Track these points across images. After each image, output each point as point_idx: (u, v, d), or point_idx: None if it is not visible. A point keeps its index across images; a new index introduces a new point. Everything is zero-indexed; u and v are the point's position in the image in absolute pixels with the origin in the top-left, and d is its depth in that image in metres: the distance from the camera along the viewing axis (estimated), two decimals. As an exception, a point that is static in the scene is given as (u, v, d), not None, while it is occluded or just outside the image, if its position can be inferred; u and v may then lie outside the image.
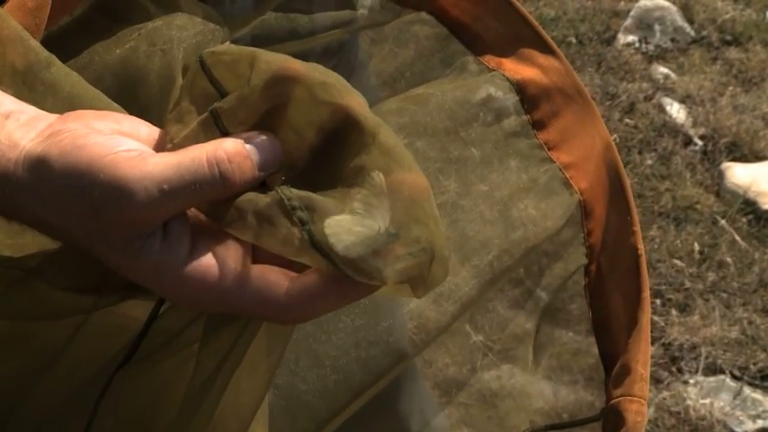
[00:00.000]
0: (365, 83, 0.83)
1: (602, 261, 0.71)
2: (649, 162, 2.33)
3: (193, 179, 0.46)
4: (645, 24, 2.70)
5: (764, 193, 2.23)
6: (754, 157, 2.35)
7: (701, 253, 2.12)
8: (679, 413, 1.83)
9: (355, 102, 0.48)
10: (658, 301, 2.02)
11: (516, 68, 0.72)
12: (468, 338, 0.74)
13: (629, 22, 2.70)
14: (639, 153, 2.35)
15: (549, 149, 0.72)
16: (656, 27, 2.69)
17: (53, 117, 0.49)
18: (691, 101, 2.50)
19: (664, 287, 2.04)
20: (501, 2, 0.72)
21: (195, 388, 0.53)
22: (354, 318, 0.67)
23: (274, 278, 0.48)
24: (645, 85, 2.54)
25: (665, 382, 1.88)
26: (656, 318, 1.98)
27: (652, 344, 1.92)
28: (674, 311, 2.01)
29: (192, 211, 0.49)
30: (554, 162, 0.72)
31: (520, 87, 0.72)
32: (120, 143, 0.47)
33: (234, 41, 0.67)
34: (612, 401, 0.65)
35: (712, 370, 1.91)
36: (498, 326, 0.74)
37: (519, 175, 0.71)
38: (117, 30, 0.62)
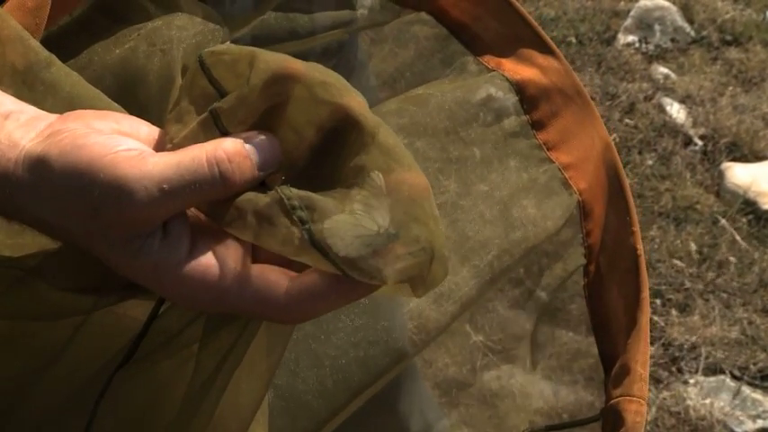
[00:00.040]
0: (365, 83, 0.83)
1: (601, 261, 0.71)
2: (649, 162, 2.33)
3: (193, 179, 0.46)
4: (645, 24, 2.70)
5: (764, 193, 2.23)
6: (754, 157, 2.35)
7: (700, 253, 2.12)
8: (679, 413, 1.83)
9: (355, 101, 0.48)
10: (658, 301, 2.02)
11: (516, 69, 0.72)
12: (468, 338, 0.75)
13: (629, 22, 2.70)
14: (639, 153, 2.35)
15: (548, 150, 0.72)
16: (656, 27, 2.69)
17: (53, 117, 0.49)
18: (691, 101, 2.50)
19: (664, 287, 2.04)
20: (500, 2, 0.72)
21: (195, 388, 0.53)
22: (354, 318, 0.67)
23: (274, 278, 0.48)
24: (645, 85, 2.54)
25: (665, 382, 1.89)
26: (656, 318, 1.99)
27: (652, 344, 1.92)
28: (674, 311, 2.01)
29: (192, 211, 0.49)
30: (553, 162, 0.72)
31: (519, 87, 0.72)
32: (120, 143, 0.47)
33: (234, 41, 0.67)
34: (612, 401, 0.65)
35: (712, 370, 1.91)
36: (498, 326, 0.74)
37: (519, 175, 0.71)
38: (117, 30, 0.62)
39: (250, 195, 0.48)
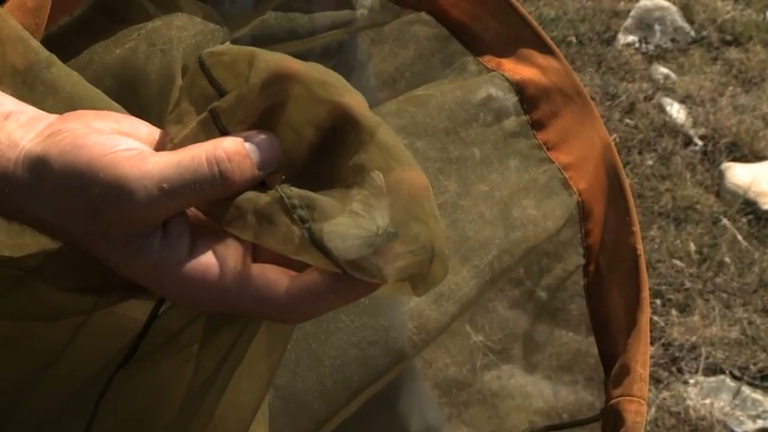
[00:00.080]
0: (364, 83, 0.83)
1: (601, 261, 0.71)
2: (649, 162, 2.33)
3: (193, 178, 0.46)
4: (645, 24, 2.70)
5: (764, 193, 2.23)
6: (754, 157, 2.35)
7: (700, 253, 2.12)
8: (679, 413, 1.83)
9: (354, 100, 0.48)
10: (658, 302, 2.02)
11: (516, 69, 0.72)
12: (468, 338, 0.75)
13: (629, 22, 2.70)
14: (639, 153, 2.35)
15: (548, 150, 0.72)
16: (656, 27, 2.69)
17: (53, 117, 0.49)
18: (691, 101, 2.50)
19: (664, 287, 2.04)
20: (500, 2, 0.73)
21: (195, 388, 0.53)
22: (354, 317, 0.67)
23: (274, 277, 0.48)
24: (645, 85, 2.54)
25: (665, 382, 1.88)
26: (656, 318, 1.99)
27: (652, 344, 1.92)
28: (674, 311, 2.01)
29: (192, 211, 0.49)
30: (553, 162, 0.72)
31: (519, 88, 0.72)
32: (120, 142, 0.47)
33: (234, 41, 0.67)
34: (612, 401, 0.65)
35: (712, 370, 1.91)
36: (498, 326, 0.74)
37: (519, 175, 0.71)
38: (117, 30, 0.62)
39: (250, 194, 0.48)
